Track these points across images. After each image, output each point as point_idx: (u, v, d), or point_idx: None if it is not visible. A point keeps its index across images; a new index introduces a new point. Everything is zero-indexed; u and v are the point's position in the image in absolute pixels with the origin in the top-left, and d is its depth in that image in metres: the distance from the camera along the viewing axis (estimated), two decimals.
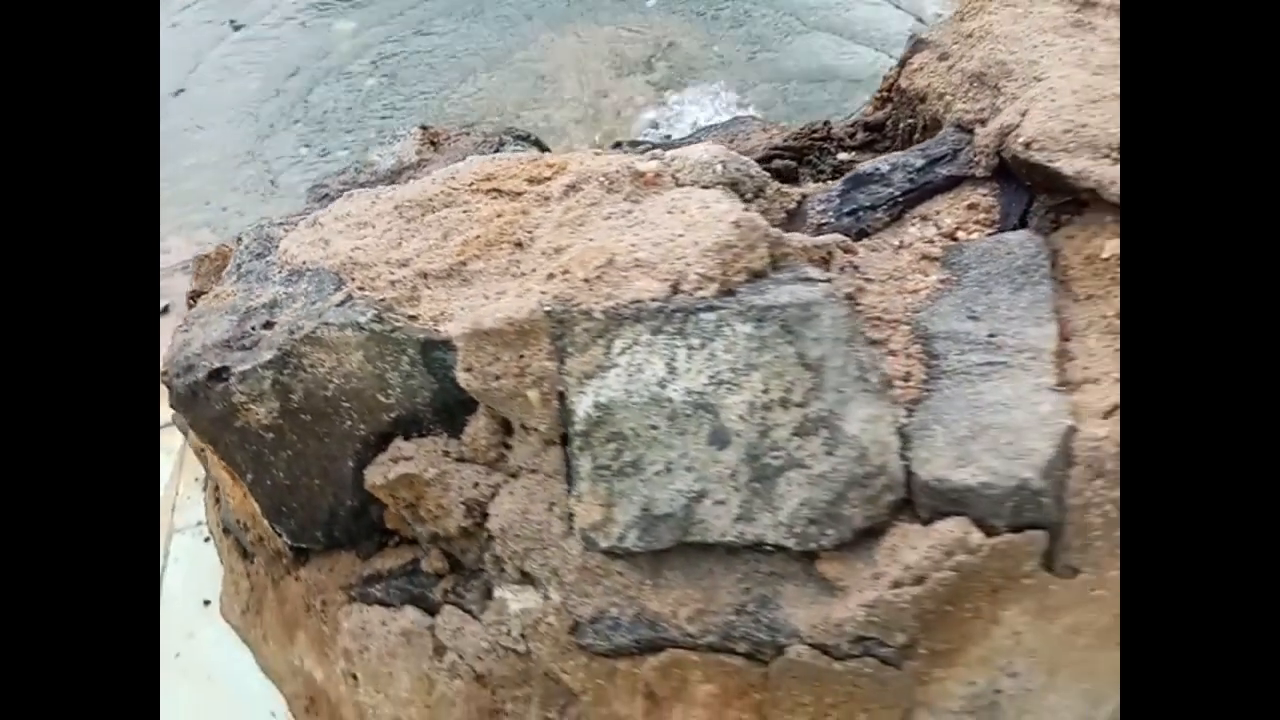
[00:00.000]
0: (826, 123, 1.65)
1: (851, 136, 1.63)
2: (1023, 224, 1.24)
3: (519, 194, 1.22)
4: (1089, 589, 0.94)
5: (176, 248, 2.31)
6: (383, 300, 1.09)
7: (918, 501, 0.96)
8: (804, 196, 1.31)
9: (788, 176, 1.55)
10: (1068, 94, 1.21)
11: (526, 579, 1.07)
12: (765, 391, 0.96)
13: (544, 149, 2.05)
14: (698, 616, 0.99)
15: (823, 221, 1.28)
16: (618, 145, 1.81)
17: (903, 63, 1.58)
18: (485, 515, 1.06)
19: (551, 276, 1.03)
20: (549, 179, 1.23)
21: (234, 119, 2.80)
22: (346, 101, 2.87)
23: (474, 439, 1.07)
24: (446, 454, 1.09)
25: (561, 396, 0.98)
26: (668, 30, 3.06)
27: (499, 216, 1.16)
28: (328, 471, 1.16)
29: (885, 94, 1.62)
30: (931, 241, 1.26)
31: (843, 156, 1.62)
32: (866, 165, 1.35)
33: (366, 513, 1.21)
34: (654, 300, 0.97)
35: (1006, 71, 1.36)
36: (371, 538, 1.23)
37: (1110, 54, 1.34)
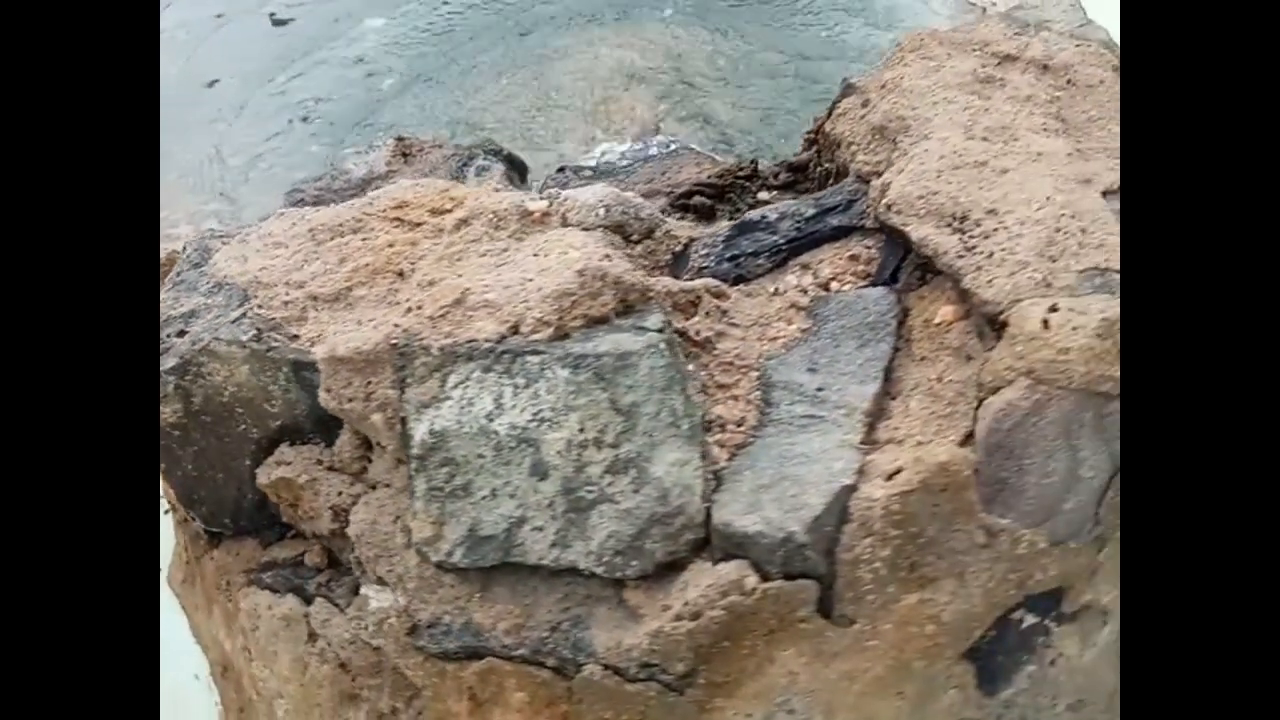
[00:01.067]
0: (754, 161, 1.71)
1: (775, 176, 1.69)
2: (894, 279, 1.30)
3: (419, 224, 1.33)
4: (863, 639, 1.01)
5: (185, 235, 2.48)
6: (272, 319, 1.21)
7: (714, 542, 1.04)
8: (691, 240, 1.38)
9: (704, 214, 1.63)
10: (935, 158, 1.26)
11: (381, 581, 1.18)
12: (581, 431, 1.05)
13: (516, 165, 2.16)
14: (515, 630, 1.09)
15: (703, 266, 1.35)
16: (561, 170, 1.90)
17: (832, 106, 1.63)
18: (347, 521, 1.18)
19: (409, 310, 1.13)
20: (448, 211, 1.34)
21: (258, 112, 2.96)
22: (363, 100, 3.01)
23: (341, 451, 1.19)
24: (319, 462, 1.21)
25: (403, 421, 1.09)
26: (677, 41, 3.12)
27: (391, 246, 1.27)
28: (229, 467, 1.29)
29: (812, 136, 1.67)
30: (805, 291, 1.33)
31: (763, 196, 1.68)
32: (754, 213, 1.42)
33: (267, 506, 1.33)
34: (488, 341, 1.06)
35: (905, 127, 1.40)
36: (273, 528, 1.36)
37: (1006, 114, 1.37)
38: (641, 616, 1.05)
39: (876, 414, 1.10)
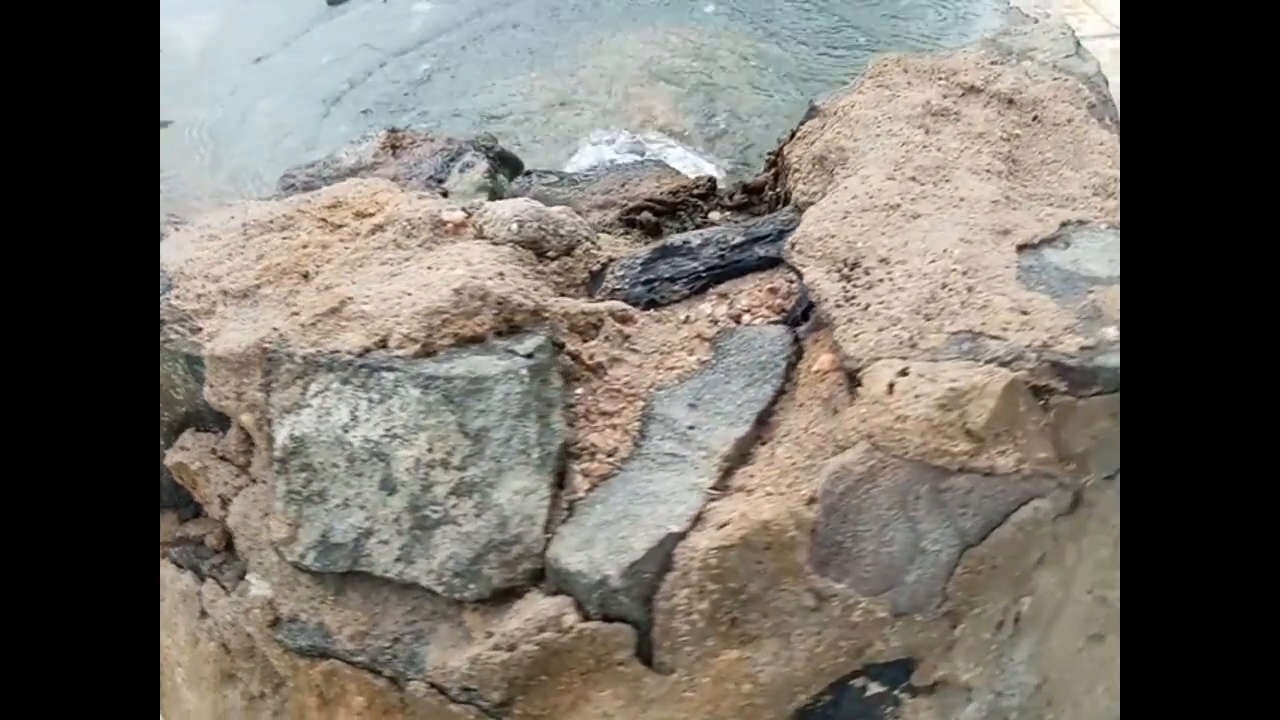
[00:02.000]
0: (711, 179, 1.68)
1: (730, 197, 1.66)
2: (805, 318, 1.26)
3: (340, 226, 1.35)
4: (680, 689, 0.99)
5: (203, 209, 2.58)
6: (183, 311, 1.26)
7: (547, 575, 1.04)
8: (610, 260, 1.37)
9: (651, 231, 1.61)
10: (848, 198, 1.21)
11: (258, 570, 1.22)
12: (430, 451, 1.06)
13: (507, 161, 2.17)
14: (359, 637, 1.11)
15: (617, 288, 1.34)
16: (528, 174, 1.90)
17: (795, 128, 1.59)
18: (229, 511, 1.22)
19: (292, 314, 1.16)
20: (370, 215, 1.36)
21: (296, 92, 3.06)
22: (399, 85, 3.07)
23: (229, 443, 1.23)
24: (213, 451, 1.25)
25: (269, 423, 1.12)
26: (712, 39, 3.07)
27: (305, 247, 1.30)
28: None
29: (773, 157, 1.63)
30: (716, 321, 1.30)
31: (714, 216, 1.65)
32: (677, 237, 1.39)
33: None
34: (349, 353, 1.08)
35: (843, 159, 1.36)
36: (189, 505, 1.42)
37: (949, 151, 1.31)
38: (472, 640, 1.05)
39: (736, 459, 1.07)
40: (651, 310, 1.31)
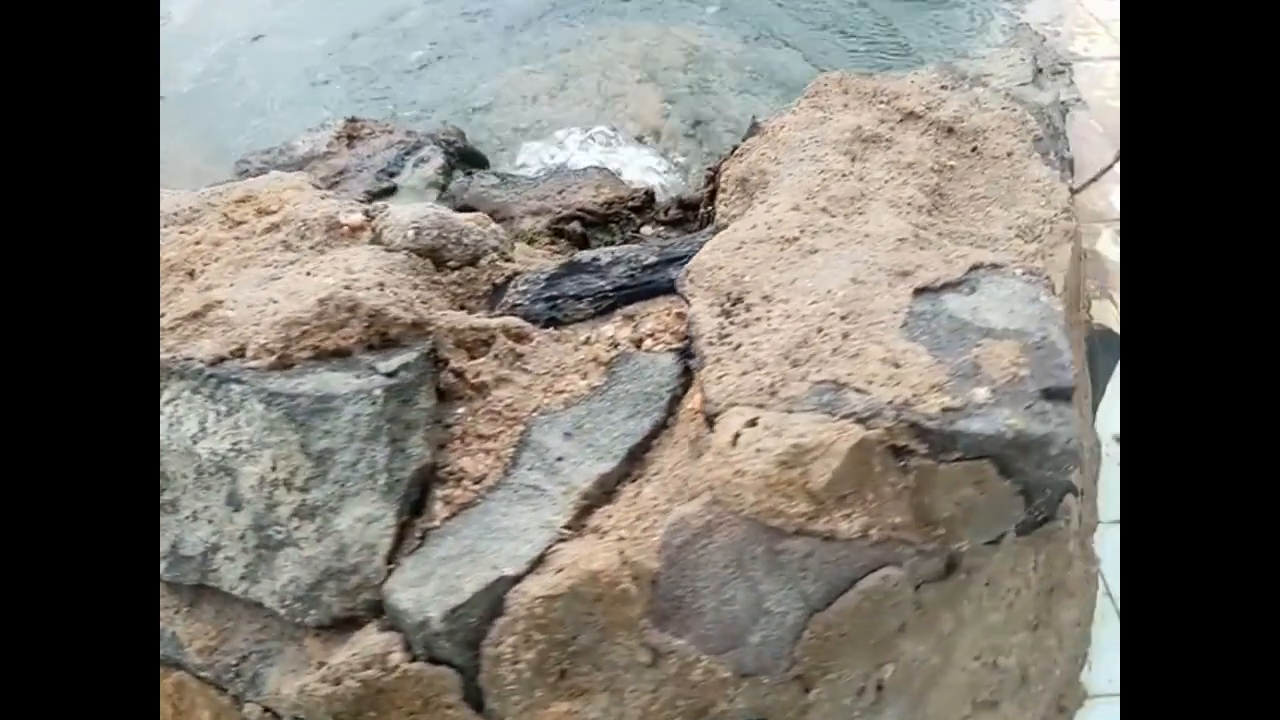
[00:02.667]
0: (649, 192, 1.63)
1: (666, 211, 1.60)
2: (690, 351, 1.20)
3: (240, 223, 1.32)
4: None
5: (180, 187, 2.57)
6: None
7: (385, 607, 1.00)
8: (516, 273, 1.32)
9: (577, 241, 1.56)
10: (748, 227, 1.16)
11: None
12: (274, 470, 1.02)
13: (468, 157, 2.13)
14: (207, 651, 1.08)
15: (518, 302, 1.29)
16: (469, 174, 1.86)
17: (736, 145, 1.53)
18: None
19: (163, 314, 1.13)
20: (271, 213, 1.32)
21: (290, 70, 3.03)
22: (389, 70, 3.04)
23: None
24: None
25: None
26: (710, 40, 3.00)
27: (198, 243, 1.27)
28: None
29: (711, 173, 1.57)
30: (616, 345, 1.25)
31: (645, 230, 1.59)
32: (587, 253, 1.34)
33: None
34: (202, 361, 1.05)
35: (763, 182, 1.30)
36: None
37: (870, 181, 1.25)
38: (310, 667, 1.02)
39: (598, 497, 1.02)
40: (552, 328, 1.27)
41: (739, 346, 1.00)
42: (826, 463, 0.86)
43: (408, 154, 2.01)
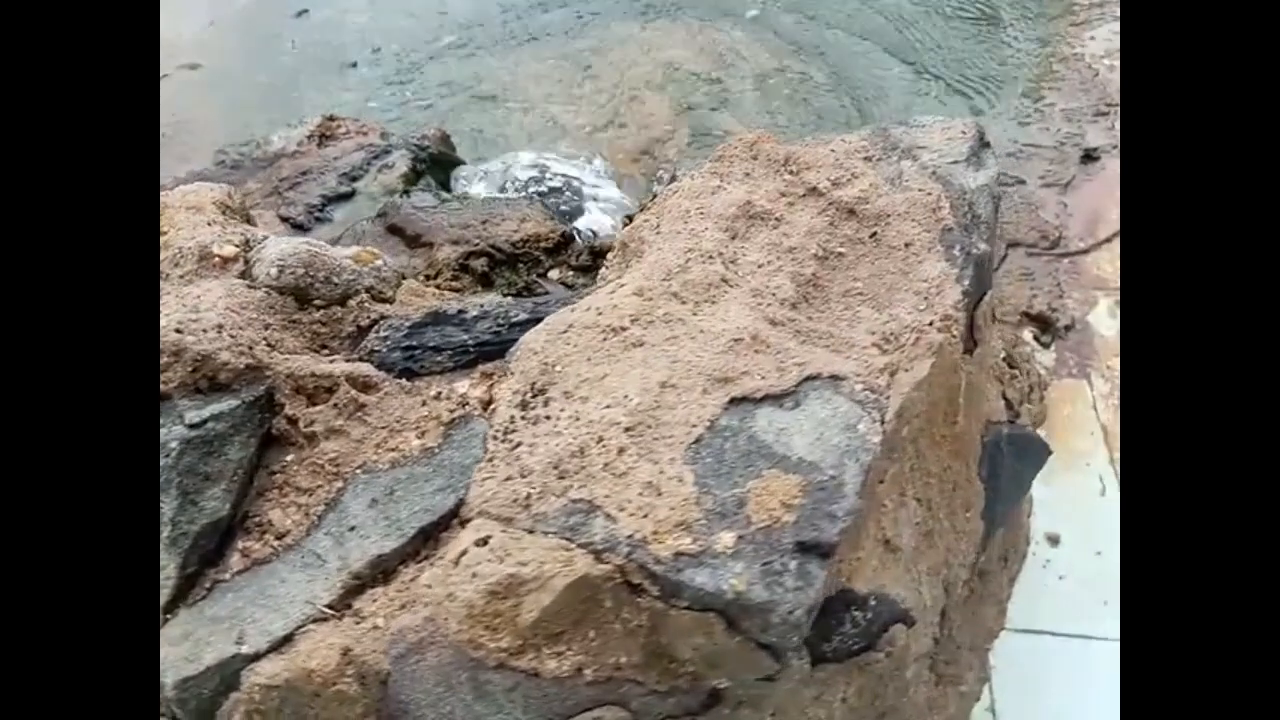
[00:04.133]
0: (566, 234, 1.59)
1: (578, 256, 1.56)
2: None
3: None
4: None
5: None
6: None
7: None
8: (381, 318, 1.31)
9: (479, 279, 1.54)
10: (584, 309, 1.11)
11: None
12: None
13: (443, 164, 2.13)
14: None
15: (375, 349, 1.28)
16: (405, 193, 1.85)
17: (657, 194, 1.48)
18: None
19: None
20: (164, 234, 1.35)
21: (322, 54, 3.08)
22: (416, 56, 3.06)
23: None
24: None
25: None
26: (744, 48, 2.90)
27: None
28: None
29: (628, 219, 1.52)
30: (465, 403, 1.23)
31: (553, 274, 1.56)
32: (455, 303, 1.32)
33: None
34: None
35: (639, 250, 1.25)
36: None
37: (740, 266, 1.19)
38: None
39: (369, 578, 1.01)
40: (404, 379, 1.25)
41: (517, 446, 0.97)
42: (538, 598, 0.82)
43: (374, 159, 2.02)
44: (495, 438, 0.99)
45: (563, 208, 1.87)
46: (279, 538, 1.10)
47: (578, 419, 0.97)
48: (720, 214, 1.25)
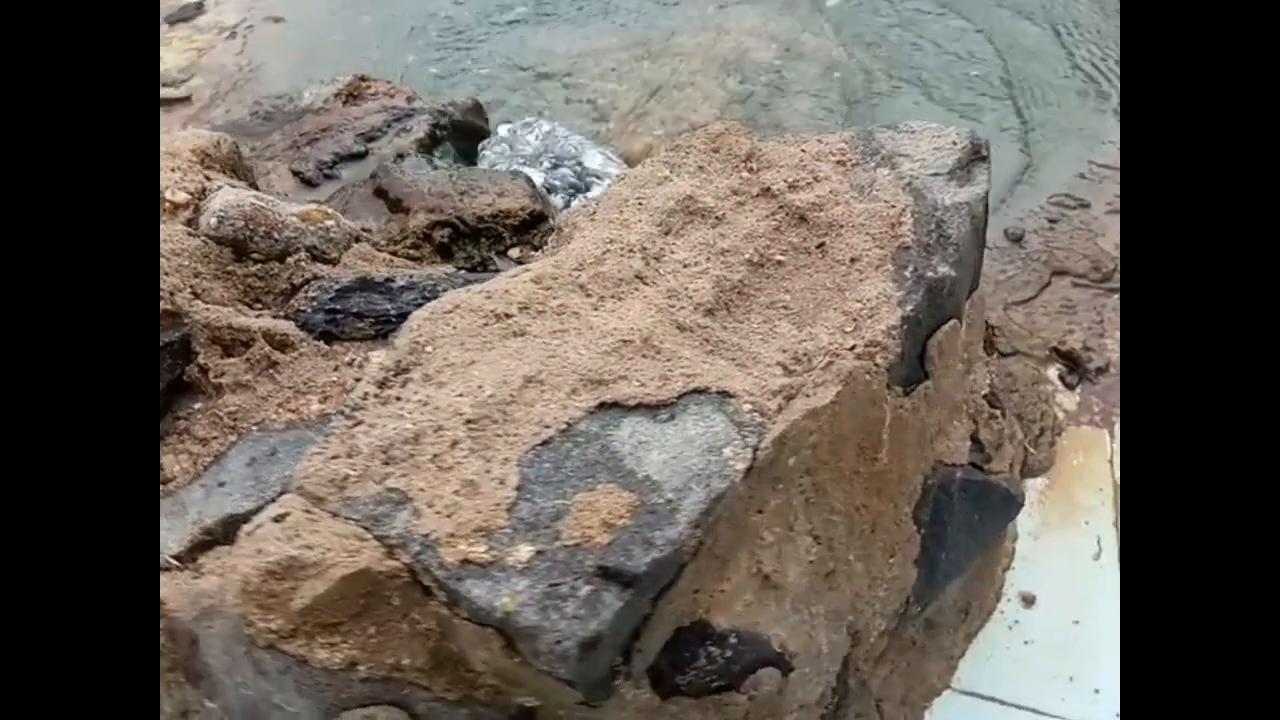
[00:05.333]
0: (536, 213, 1.54)
1: (542, 236, 1.51)
2: None
3: None
4: None
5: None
6: None
7: None
8: (314, 278, 1.30)
9: (439, 250, 1.51)
10: (477, 290, 1.06)
11: None
12: None
13: (467, 132, 2.11)
14: None
15: (301, 309, 1.27)
16: (400, 157, 1.83)
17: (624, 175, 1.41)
18: None
19: None
20: None
21: (401, 14, 3.11)
22: (486, 25, 3.05)
23: None
24: None
25: None
26: (814, 39, 2.77)
27: None
28: None
29: None
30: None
31: (513, 253, 1.51)
32: (386, 271, 1.29)
33: None
34: None
35: (570, 234, 1.20)
36: None
37: (662, 264, 1.12)
38: None
39: (219, 535, 1.00)
40: (323, 342, 1.24)
41: (357, 425, 0.93)
42: (314, 585, 0.78)
43: (395, 121, 2.02)
44: (343, 413, 0.96)
45: (558, 184, 1.82)
46: (164, 484, 1.10)
47: (426, 404, 0.93)
48: (658, 206, 1.17)
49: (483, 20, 3.04)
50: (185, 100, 2.83)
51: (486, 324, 1.01)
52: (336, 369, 1.21)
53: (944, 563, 1.27)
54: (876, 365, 1.03)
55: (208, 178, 1.44)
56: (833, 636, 1.11)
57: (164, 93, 2.85)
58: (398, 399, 0.95)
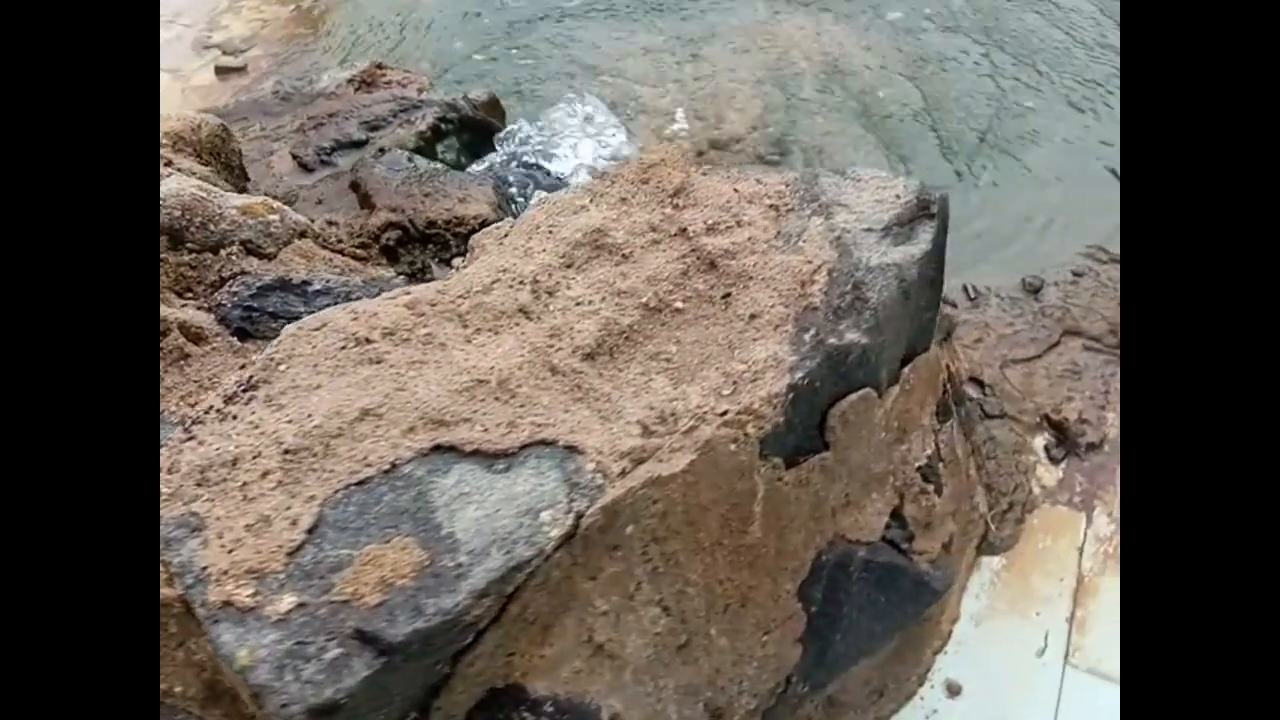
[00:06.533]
0: (486, 223, 1.51)
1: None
2: None
3: None
4: None
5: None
6: None
7: None
8: (242, 273, 1.30)
9: (386, 252, 1.50)
10: (337, 309, 1.04)
11: None
12: None
13: (475, 128, 2.10)
14: None
15: (221, 302, 1.28)
16: (381, 150, 1.81)
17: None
18: None
19: None
20: None
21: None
22: (540, 14, 3.02)
23: None
24: None
25: None
26: (867, 54, 2.64)
27: None
28: None
29: None
30: None
31: (456, 261, 1.48)
32: (303, 274, 1.28)
33: None
34: None
35: (477, 256, 1.16)
36: None
37: (553, 301, 1.08)
38: None
39: None
40: (237, 339, 1.24)
41: (188, 440, 0.92)
42: None
43: (402, 112, 2.02)
44: (183, 425, 0.95)
45: (533, 186, 1.78)
46: None
47: (255, 427, 0.91)
48: (566, 237, 1.13)
49: (537, 11, 3.02)
50: (241, 70, 2.90)
51: (345, 347, 0.99)
52: (243, 367, 1.21)
53: (839, 644, 1.19)
54: (746, 435, 0.96)
55: (169, 161, 1.46)
56: (685, 712, 1.05)
57: (222, 61, 2.93)
58: (234, 417, 0.93)
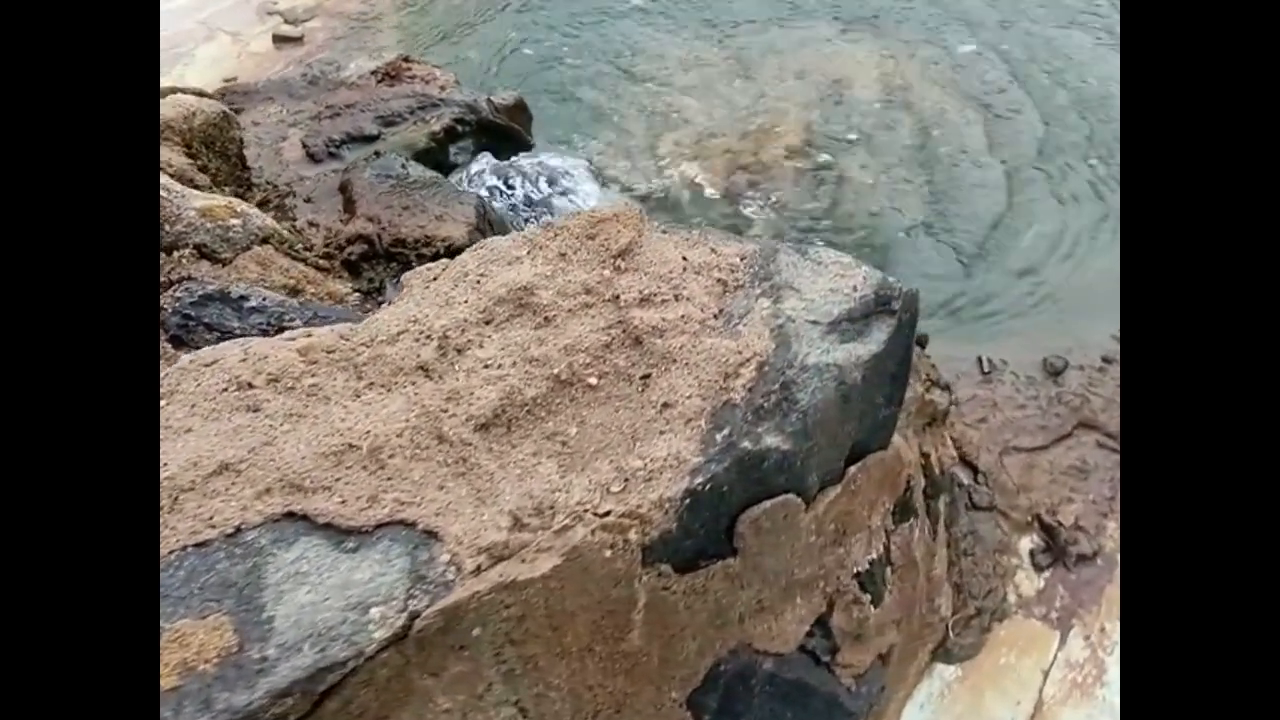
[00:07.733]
0: (455, 247, 1.45)
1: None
2: None
3: None
4: None
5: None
6: None
7: None
8: (187, 278, 1.28)
9: (348, 266, 1.46)
10: (238, 346, 1.00)
11: None
12: None
13: (496, 133, 2.05)
14: None
15: (163, 306, 1.26)
16: (374, 153, 1.77)
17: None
18: None
19: None
20: None
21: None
22: (595, 14, 2.95)
23: None
24: None
25: None
26: (930, 88, 2.49)
27: None
28: None
29: None
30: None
31: (390, 294, 1.43)
32: (242, 289, 1.25)
33: None
34: None
35: (404, 299, 1.11)
36: None
37: (461, 362, 1.03)
38: None
39: None
40: (171, 346, 1.23)
41: None
42: None
43: (419, 109, 1.98)
44: None
45: (522, 217, 1.72)
46: None
47: (174, 454, 0.88)
48: (490, 291, 1.06)
49: (594, 10, 2.94)
50: (298, 40, 2.91)
51: (226, 389, 0.95)
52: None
53: None
54: (626, 541, 0.89)
55: None
56: None
57: (281, 30, 2.95)
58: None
